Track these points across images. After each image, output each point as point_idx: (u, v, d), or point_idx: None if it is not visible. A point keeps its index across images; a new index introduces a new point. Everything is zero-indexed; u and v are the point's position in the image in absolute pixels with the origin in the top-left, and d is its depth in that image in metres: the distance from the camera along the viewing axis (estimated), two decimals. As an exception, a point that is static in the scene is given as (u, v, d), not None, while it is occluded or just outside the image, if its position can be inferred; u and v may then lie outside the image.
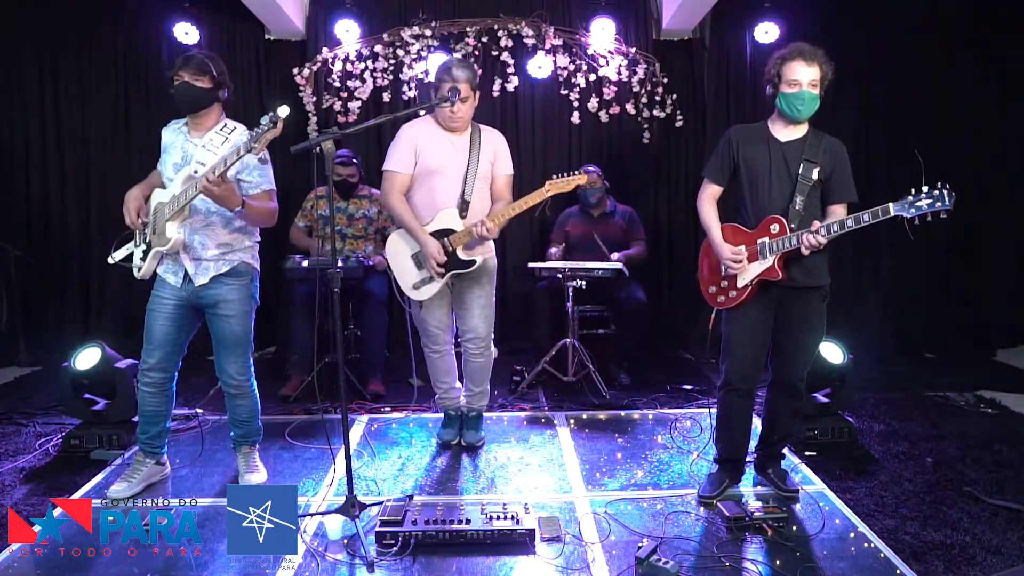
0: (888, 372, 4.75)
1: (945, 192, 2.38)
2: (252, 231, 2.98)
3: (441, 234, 3.17)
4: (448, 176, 3.21)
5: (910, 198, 2.43)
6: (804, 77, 2.64)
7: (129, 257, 2.98)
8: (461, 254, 3.18)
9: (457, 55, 5.07)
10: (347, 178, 4.48)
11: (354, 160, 4.53)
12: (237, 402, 3.02)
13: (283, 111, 2.45)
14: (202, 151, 2.77)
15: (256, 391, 3.07)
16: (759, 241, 2.73)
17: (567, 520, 2.75)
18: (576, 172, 3.18)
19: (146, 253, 2.89)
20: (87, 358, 3.49)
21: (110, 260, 3.03)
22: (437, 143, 3.22)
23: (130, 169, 5.22)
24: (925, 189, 2.41)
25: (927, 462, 3.29)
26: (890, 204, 2.46)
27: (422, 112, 3.30)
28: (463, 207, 3.20)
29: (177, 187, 2.78)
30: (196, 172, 2.71)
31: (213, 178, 2.57)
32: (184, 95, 2.79)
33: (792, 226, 2.67)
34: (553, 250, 4.73)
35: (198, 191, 2.64)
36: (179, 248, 2.82)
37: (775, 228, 2.70)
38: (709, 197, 2.90)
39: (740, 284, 2.78)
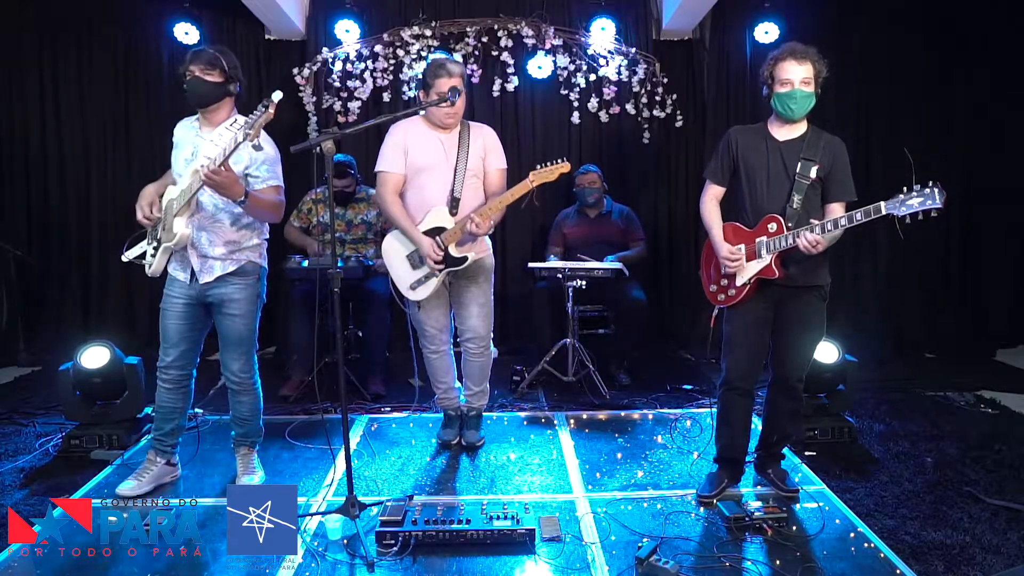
0: (888, 372, 4.75)
1: (936, 191, 2.37)
2: (260, 229, 2.98)
3: (433, 232, 3.17)
4: (437, 174, 3.20)
5: (901, 196, 2.43)
6: (795, 75, 2.65)
7: (143, 255, 2.98)
8: (454, 251, 3.18)
9: (457, 55, 5.08)
10: (343, 189, 4.47)
11: (350, 170, 4.50)
12: (240, 398, 3.03)
13: (276, 95, 2.48)
14: (209, 145, 2.74)
15: (259, 389, 3.08)
16: (757, 240, 2.74)
17: (567, 520, 2.75)
18: (560, 160, 3.16)
19: (156, 250, 2.89)
20: (95, 357, 3.48)
21: (124, 258, 3.03)
22: (425, 142, 3.21)
23: (130, 168, 5.24)
24: (917, 187, 2.41)
25: (927, 462, 3.29)
26: (881, 203, 2.46)
27: (422, 112, 3.29)
28: (453, 204, 3.20)
29: (186, 182, 2.79)
30: (202, 166, 2.71)
31: (214, 167, 2.57)
32: (194, 89, 2.80)
33: (789, 225, 2.68)
34: (552, 255, 4.73)
35: (201, 184, 2.65)
36: (186, 243, 2.82)
37: (772, 227, 2.70)
38: (711, 197, 2.91)
39: (739, 283, 2.79)
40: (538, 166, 3.15)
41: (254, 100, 5.40)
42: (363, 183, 4.63)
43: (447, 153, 3.20)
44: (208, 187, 2.65)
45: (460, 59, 5.03)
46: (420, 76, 3.21)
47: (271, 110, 2.49)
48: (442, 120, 3.18)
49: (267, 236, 3.04)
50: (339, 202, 4.50)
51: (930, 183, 2.39)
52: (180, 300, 2.90)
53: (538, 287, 4.65)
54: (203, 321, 2.98)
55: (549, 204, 5.03)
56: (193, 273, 2.87)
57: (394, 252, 3.31)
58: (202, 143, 2.81)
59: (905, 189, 2.42)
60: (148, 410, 3.50)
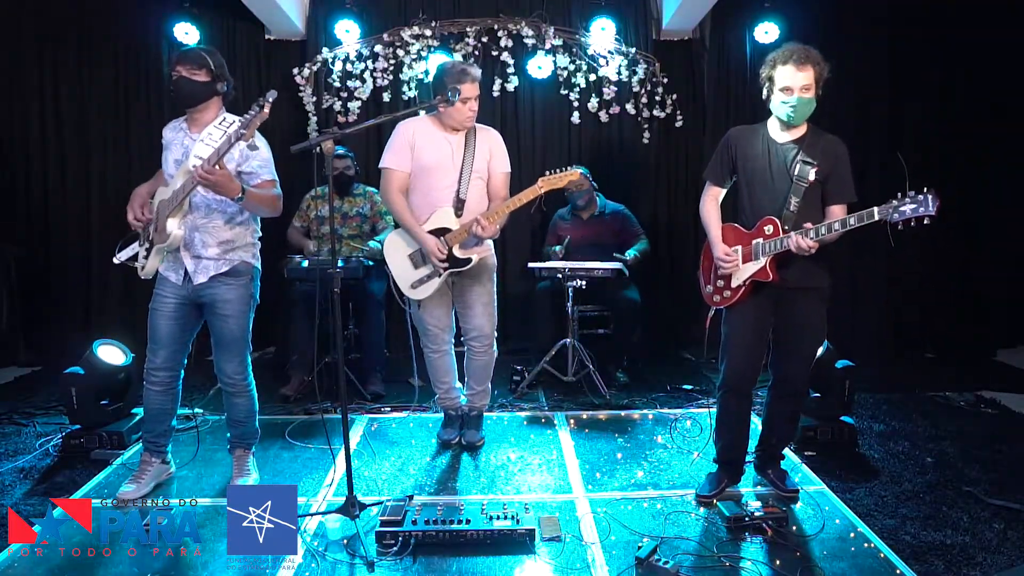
0: (888, 372, 4.75)
1: (929, 198, 2.34)
2: (254, 228, 2.98)
3: (437, 233, 3.17)
4: (444, 174, 3.20)
5: (894, 202, 2.40)
6: (796, 83, 2.62)
7: (135, 257, 2.98)
8: (458, 252, 3.18)
9: (457, 55, 5.08)
10: (343, 171, 4.46)
11: (349, 153, 4.53)
12: (235, 400, 3.02)
13: (271, 95, 2.47)
14: (200, 146, 2.73)
15: (254, 391, 3.06)
16: (754, 242, 2.73)
17: (567, 520, 2.75)
18: (570, 167, 3.16)
19: (149, 251, 2.88)
20: (111, 353, 3.45)
21: (115, 260, 3.03)
22: (433, 142, 3.21)
23: (130, 168, 5.23)
24: (911, 194, 2.38)
25: (927, 462, 3.29)
26: (875, 208, 2.44)
27: (422, 112, 3.29)
28: (459, 206, 3.20)
29: (177, 183, 2.78)
30: (193, 167, 2.69)
31: (207, 167, 2.56)
32: (181, 89, 2.79)
33: (786, 227, 2.67)
34: (557, 248, 4.71)
35: (194, 184, 2.64)
36: (178, 244, 2.82)
37: (769, 229, 2.70)
38: (711, 198, 2.91)
39: (734, 284, 2.79)
40: (547, 172, 3.14)
41: (255, 99, 5.44)
42: (361, 180, 4.64)
43: (454, 154, 3.21)
44: (203, 187, 2.64)
45: (460, 59, 5.03)
46: (437, 76, 3.17)
47: (266, 109, 2.49)
48: (462, 123, 3.17)
49: (259, 235, 3.02)
50: (339, 189, 4.49)
51: (924, 189, 2.36)
52: (171, 300, 2.88)
53: (540, 287, 4.65)
54: (194, 322, 2.97)
55: (545, 201, 5.04)
56: (186, 274, 2.86)
57: (397, 250, 3.30)
58: (192, 144, 2.78)
59: (899, 195, 2.40)
60: (138, 411, 3.49)
